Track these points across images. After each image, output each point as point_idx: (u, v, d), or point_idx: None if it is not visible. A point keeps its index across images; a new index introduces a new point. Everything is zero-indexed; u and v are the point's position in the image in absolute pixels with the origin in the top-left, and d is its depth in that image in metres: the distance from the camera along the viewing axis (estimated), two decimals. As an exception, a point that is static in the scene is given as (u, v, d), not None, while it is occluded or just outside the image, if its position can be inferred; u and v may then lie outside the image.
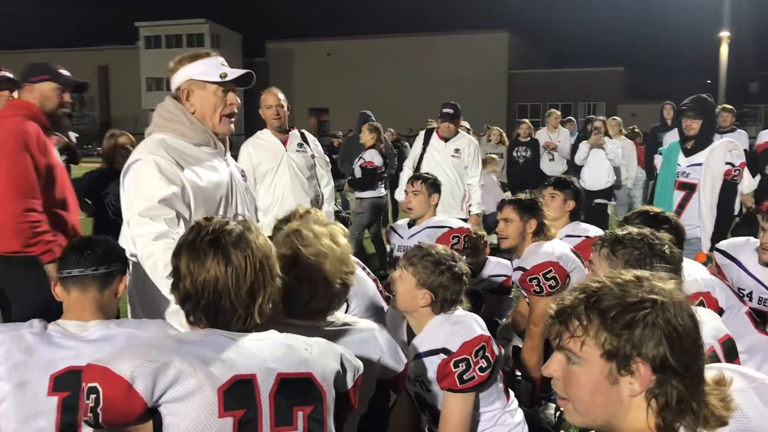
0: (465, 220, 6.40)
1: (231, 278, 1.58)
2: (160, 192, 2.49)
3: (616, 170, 8.26)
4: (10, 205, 3.14)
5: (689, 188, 4.77)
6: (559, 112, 10.27)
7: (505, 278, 4.43)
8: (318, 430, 1.65)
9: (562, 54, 65.45)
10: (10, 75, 4.10)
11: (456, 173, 6.31)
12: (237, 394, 1.52)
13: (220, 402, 1.49)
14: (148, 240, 2.43)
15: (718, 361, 2.10)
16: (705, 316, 2.17)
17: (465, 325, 2.55)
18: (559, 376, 1.39)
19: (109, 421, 1.43)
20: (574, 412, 1.39)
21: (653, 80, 46.26)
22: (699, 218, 4.68)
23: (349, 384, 1.76)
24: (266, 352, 1.61)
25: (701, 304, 2.62)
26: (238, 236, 1.62)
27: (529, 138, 9.58)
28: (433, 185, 4.41)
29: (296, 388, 1.61)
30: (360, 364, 1.81)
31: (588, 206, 8.84)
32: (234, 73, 2.68)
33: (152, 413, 1.47)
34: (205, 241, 1.60)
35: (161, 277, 2.37)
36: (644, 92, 43.11)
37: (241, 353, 1.57)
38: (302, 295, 2.06)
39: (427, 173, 4.78)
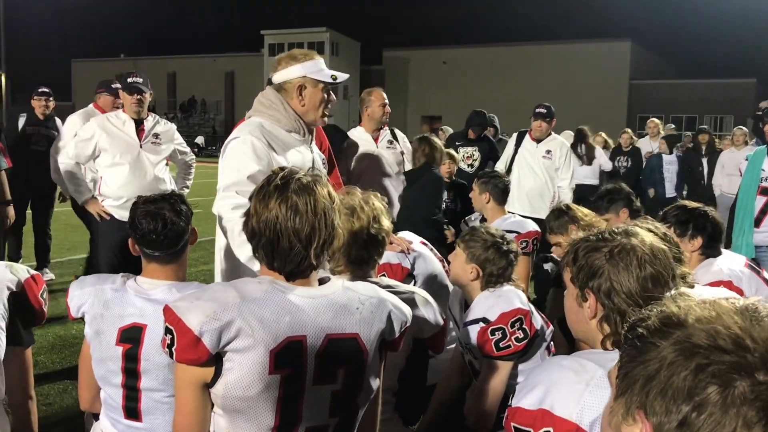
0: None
1: (289, 219, 1.69)
2: (248, 168, 2.84)
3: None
4: None
5: (773, 194, 4.66)
6: (658, 121, 10.01)
7: None
8: (356, 384, 1.77)
9: (689, 65, 62.54)
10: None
11: (546, 175, 6.37)
12: (287, 355, 1.64)
13: (271, 362, 1.62)
14: (228, 209, 2.79)
15: None
16: (709, 292, 2.25)
17: (506, 298, 2.74)
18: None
19: (181, 360, 1.63)
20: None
21: (788, 93, 43.41)
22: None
23: (396, 334, 1.86)
24: (320, 312, 1.71)
25: None
26: (304, 185, 1.74)
27: (630, 146, 9.44)
28: (484, 183, 4.51)
29: (342, 348, 1.72)
30: (408, 315, 1.90)
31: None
32: (342, 77, 3.08)
33: (217, 358, 1.64)
34: (273, 185, 1.73)
35: (236, 242, 2.72)
36: (778, 105, 40.43)
37: (297, 315, 1.67)
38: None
39: (484, 172, 4.90)
